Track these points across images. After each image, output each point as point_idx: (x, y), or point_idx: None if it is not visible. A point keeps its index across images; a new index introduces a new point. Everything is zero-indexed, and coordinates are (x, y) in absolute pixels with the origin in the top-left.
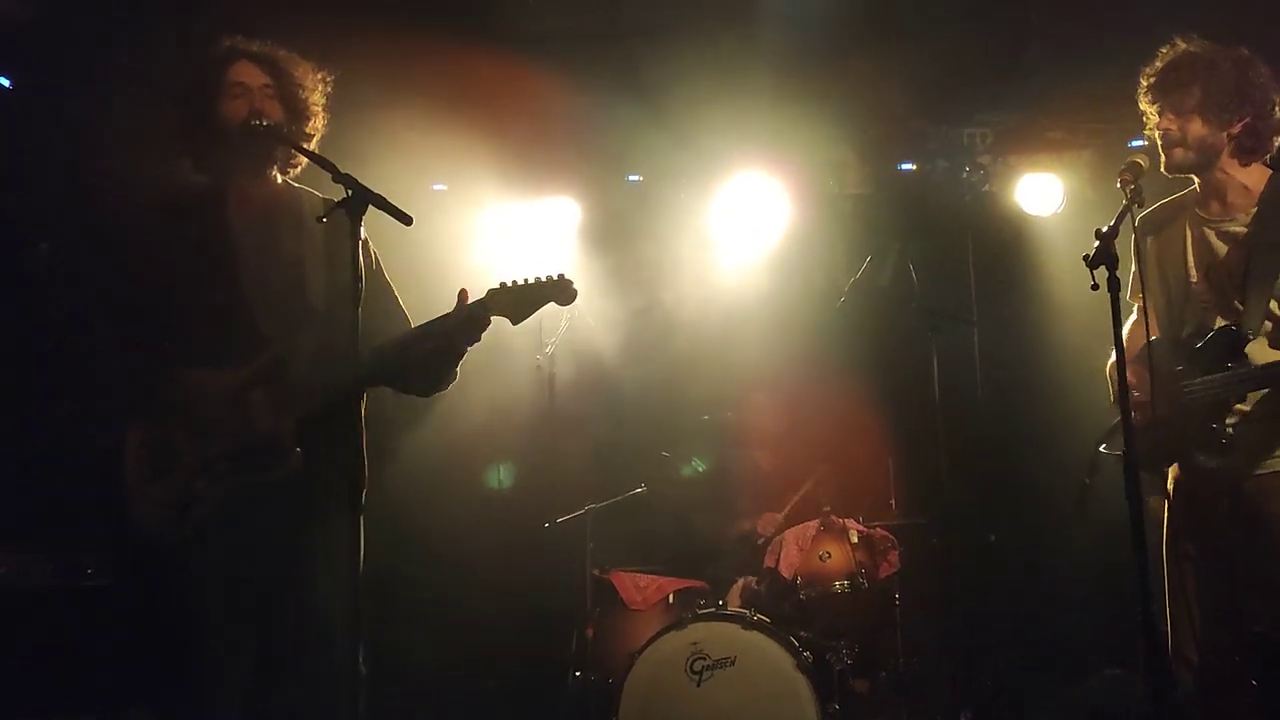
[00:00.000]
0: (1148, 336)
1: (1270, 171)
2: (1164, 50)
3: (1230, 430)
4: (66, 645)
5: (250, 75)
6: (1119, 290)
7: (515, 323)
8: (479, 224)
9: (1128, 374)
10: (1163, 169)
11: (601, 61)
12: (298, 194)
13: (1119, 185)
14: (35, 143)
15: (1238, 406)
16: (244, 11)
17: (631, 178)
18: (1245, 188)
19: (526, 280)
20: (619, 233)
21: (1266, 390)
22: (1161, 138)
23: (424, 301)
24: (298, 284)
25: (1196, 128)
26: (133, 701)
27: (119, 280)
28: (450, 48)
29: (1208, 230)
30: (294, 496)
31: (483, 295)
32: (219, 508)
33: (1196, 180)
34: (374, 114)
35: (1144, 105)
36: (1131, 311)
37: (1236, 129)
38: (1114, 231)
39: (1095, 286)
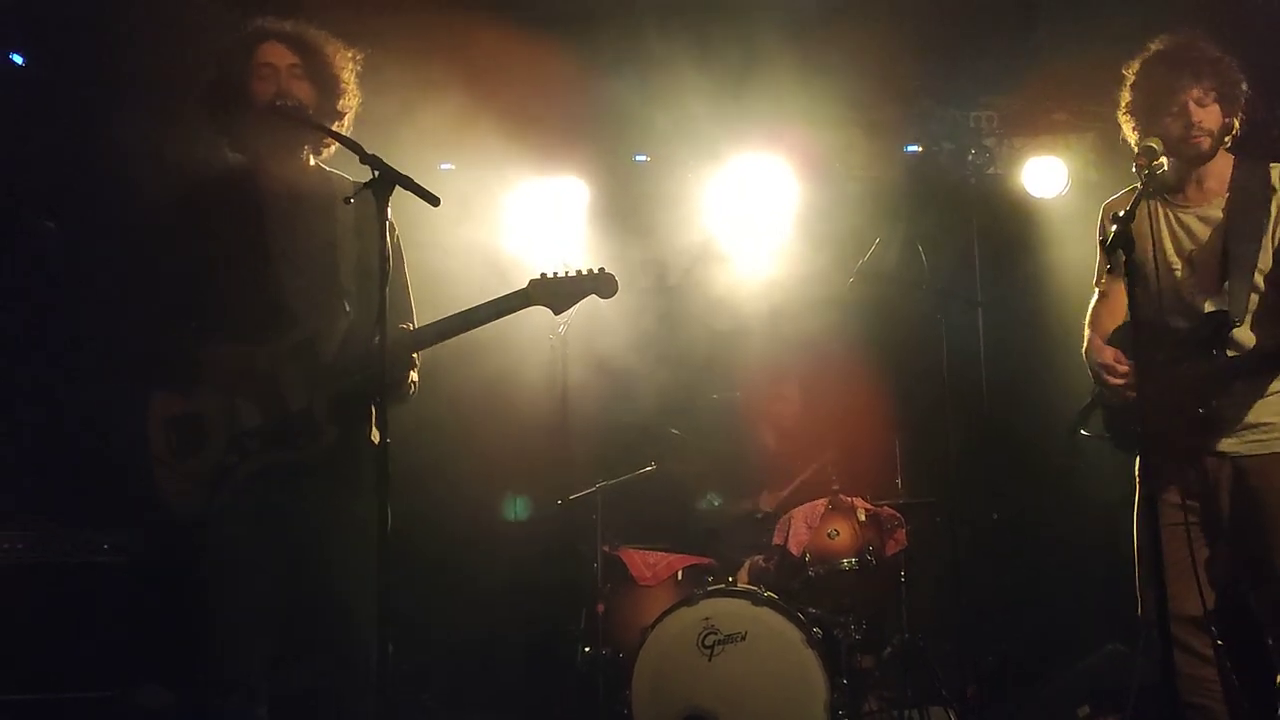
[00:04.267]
0: (1133, 316)
1: (1234, 158)
2: (1158, 43)
3: (1219, 411)
4: (82, 622)
5: (278, 55)
6: (1136, 272)
7: (557, 313)
8: (486, 203)
9: (1107, 353)
10: (1179, 155)
11: (608, 41)
12: (329, 177)
13: (1134, 169)
14: (49, 119)
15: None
16: None
17: (638, 157)
18: (1218, 174)
19: (568, 272)
20: (627, 212)
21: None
22: (1194, 127)
23: (430, 280)
24: (329, 264)
25: (1216, 116)
26: (147, 678)
27: (149, 257)
28: (458, 27)
29: (1184, 215)
30: (325, 474)
31: (524, 285)
32: (250, 484)
33: (1166, 163)
34: (382, 93)
35: (1158, 94)
36: (1092, 296)
37: (1236, 119)
38: (1130, 215)
39: (1111, 269)
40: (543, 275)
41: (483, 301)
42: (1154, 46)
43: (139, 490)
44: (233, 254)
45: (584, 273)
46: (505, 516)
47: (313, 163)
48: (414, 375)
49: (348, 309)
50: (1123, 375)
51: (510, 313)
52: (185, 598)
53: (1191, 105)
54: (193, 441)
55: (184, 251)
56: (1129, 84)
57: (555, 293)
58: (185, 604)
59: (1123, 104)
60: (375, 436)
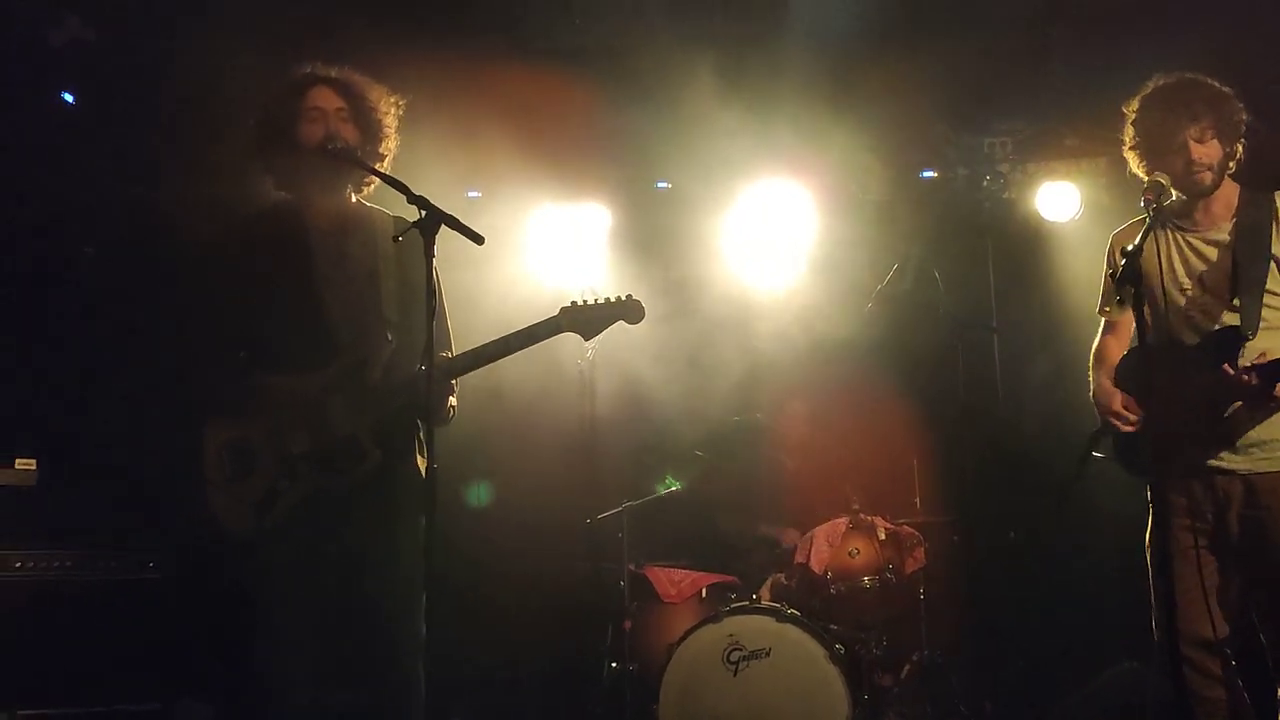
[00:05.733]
0: (1143, 342)
1: (1239, 186)
2: (1155, 82)
3: (1229, 428)
4: (126, 637)
5: (327, 100)
6: (1143, 306)
7: (586, 339)
8: (513, 229)
9: (1116, 400)
10: (1184, 190)
11: (631, 72)
12: (370, 212)
13: (1142, 204)
14: (98, 156)
15: (1236, 405)
16: (291, 23)
17: (660, 184)
18: (1225, 200)
19: (597, 299)
20: (649, 238)
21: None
22: (1194, 164)
23: (459, 306)
24: (372, 295)
25: (1215, 151)
26: (184, 694)
27: (202, 289)
28: (485, 59)
29: (1193, 239)
30: (370, 497)
31: (555, 313)
32: (299, 507)
33: (1175, 194)
34: (411, 123)
35: (1157, 133)
36: (1100, 325)
37: (1234, 152)
38: (1139, 250)
39: (1121, 300)
40: (573, 303)
41: (516, 329)
42: (1151, 85)
43: (185, 511)
44: (281, 286)
45: (612, 300)
46: (535, 534)
47: (354, 199)
48: (453, 400)
49: (390, 338)
50: (1133, 423)
51: (543, 339)
52: (229, 616)
53: (1191, 143)
54: (244, 465)
55: (235, 283)
56: (1130, 121)
57: (585, 319)
58: (229, 622)
59: (1127, 140)
60: (419, 460)
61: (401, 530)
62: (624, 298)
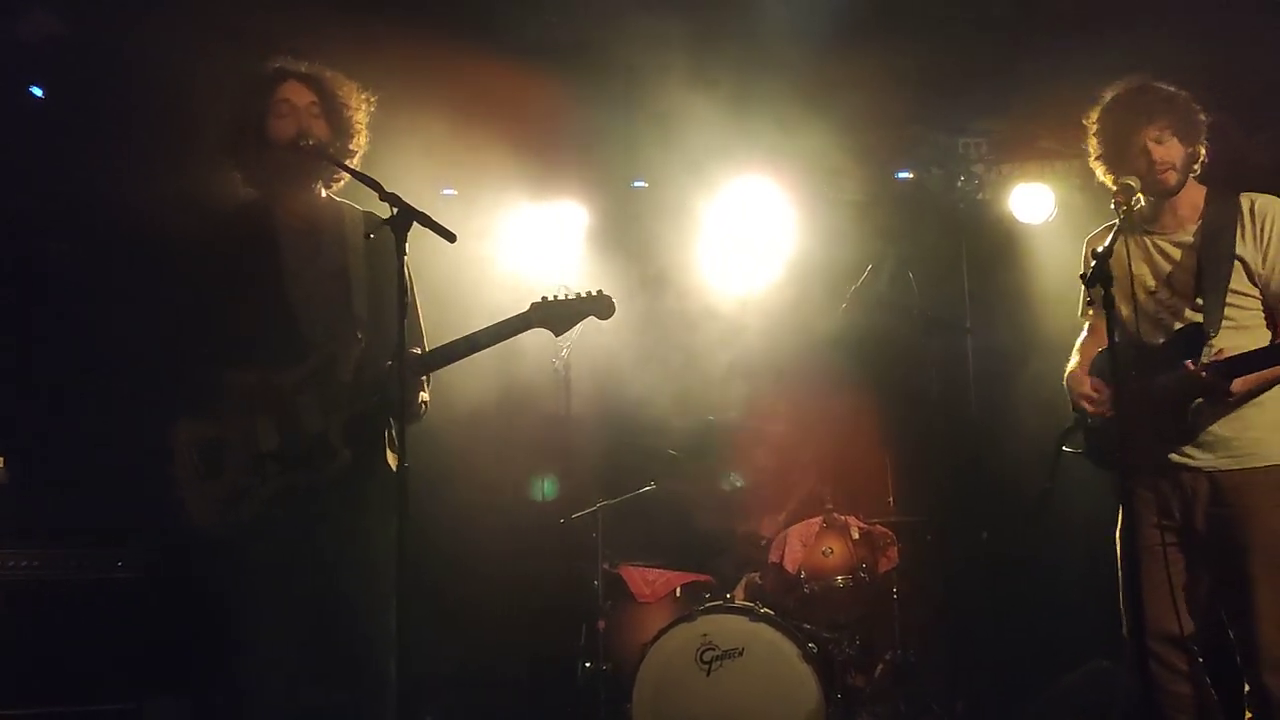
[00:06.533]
0: (1111, 341)
1: (1206, 187)
2: (1111, 91)
3: (1194, 424)
4: (97, 636)
5: (298, 95)
6: (1113, 307)
7: (557, 335)
8: (488, 228)
9: (1086, 383)
10: (1150, 192)
11: (606, 69)
12: (339, 208)
13: (1113, 206)
14: (69, 151)
15: (1198, 402)
16: (261, 19)
17: (636, 183)
18: (1191, 202)
19: (567, 295)
20: (625, 236)
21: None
22: (1157, 165)
23: (434, 303)
24: (341, 292)
25: (1177, 151)
26: (157, 693)
27: (169, 286)
28: (459, 56)
29: (1160, 242)
30: (341, 494)
31: (525, 309)
32: (270, 504)
33: (1145, 199)
34: (385, 120)
35: (1118, 139)
36: (1083, 328)
37: (1197, 152)
38: (1109, 252)
39: (1091, 303)
40: (543, 299)
41: (486, 325)
42: (1108, 95)
43: (154, 509)
44: (252, 284)
45: (582, 295)
46: (508, 534)
47: (324, 195)
48: (424, 395)
49: (360, 336)
50: (1101, 402)
51: (513, 335)
52: (201, 614)
53: (1151, 144)
54: (215, 463)
55: (205, 281)
56: (1092, 132)
57: (555, 315)
58: (201, 620)
59: (1092, 151)
60: (390, 458)
61: (373, 528)
62: (595, 293)
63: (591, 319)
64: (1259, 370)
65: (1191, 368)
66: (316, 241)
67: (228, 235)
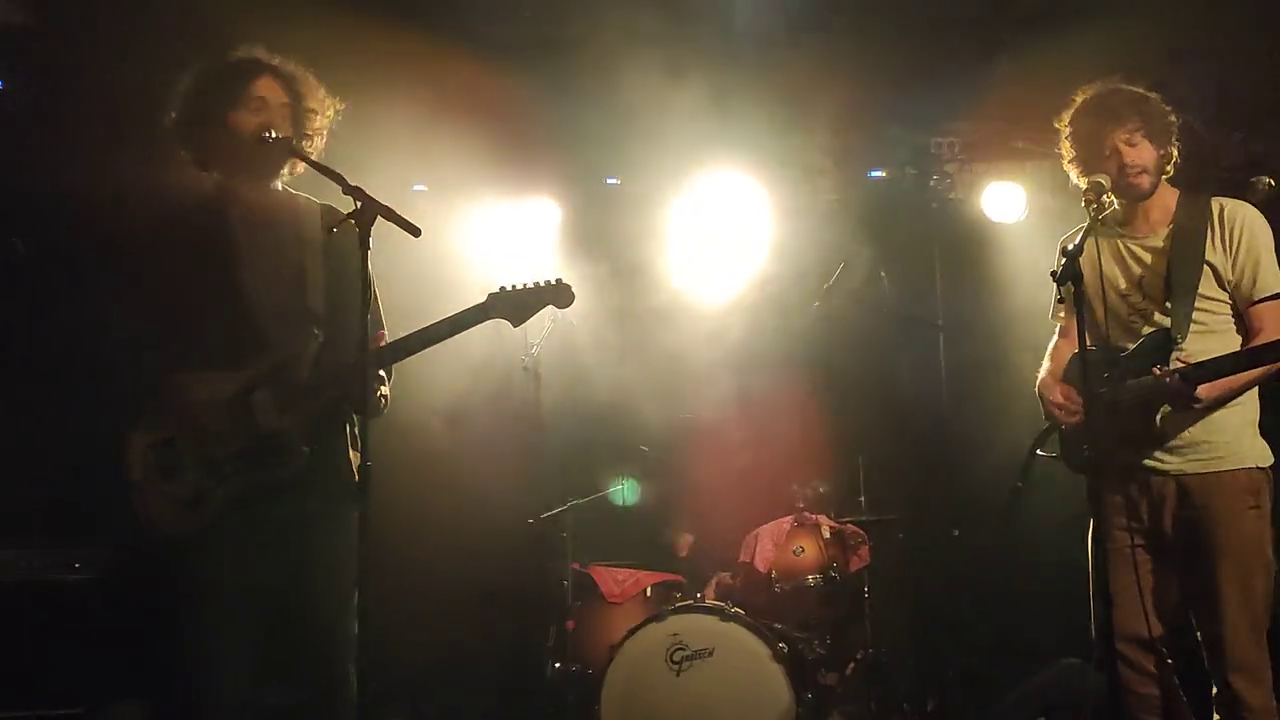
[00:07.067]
0: (1082, 345)
1: (1178, 191)
2: (1081, 94)
3: (1162, 429)
4: (53, 638)
5: (273, 92)
6: (1083, 304)
7: (515, 325)
8: (459, 225)
9: (1057, 391)
10: (1123, 195)
11: (579, 67)
12: (296, 200)
13: (1084, 205)
14: (29, 143)
15: (1164, 407)
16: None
17: (610, 180)
18: (1163, 206)
19: (525, 284)
20: (598, 234)
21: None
22: (1129, 167)
23: (403, 300)
24: (299, 288)
25: (1148, 153)
26: (118, 696)
27: (123, 281)
28: (430, 51)
29: (1132, 245)
30: (301, 494)
31: (483, 299)
32: (228, 505)
33: (1118, 202)
34: (354, 115)
35: (1090, 142)
36: (1054, 331)
37: (1169, 154)
38: (1079, 250)
39: (1063, 301)
40: (501, 288)
41: (443, 317)
42: (1078, 99)
43: (111, 509)
44: (207, 281)
45: (541, 284)
46: (477, 534)
47: (280, 187)
48: (385, 390)
49: (317, 333)
50: (1074, 412)
51: (471, 325)
52: (160, 616)
53: (1122, 146)
54: (170, 465)
55: (159, 278)
56: (1064, 136)
57: (513, 304)
58: (160, 622)
59: (1065, 155)
60: (352, 455)
61: (335, 528)
62: (553, 281)
63: (551, 308)
64: (1226, 376)
65: (1158, 373)
66: (274, 235)
67: (183, 229)
